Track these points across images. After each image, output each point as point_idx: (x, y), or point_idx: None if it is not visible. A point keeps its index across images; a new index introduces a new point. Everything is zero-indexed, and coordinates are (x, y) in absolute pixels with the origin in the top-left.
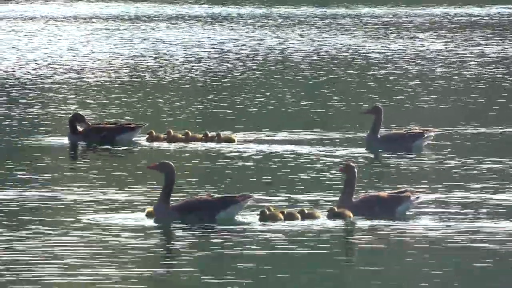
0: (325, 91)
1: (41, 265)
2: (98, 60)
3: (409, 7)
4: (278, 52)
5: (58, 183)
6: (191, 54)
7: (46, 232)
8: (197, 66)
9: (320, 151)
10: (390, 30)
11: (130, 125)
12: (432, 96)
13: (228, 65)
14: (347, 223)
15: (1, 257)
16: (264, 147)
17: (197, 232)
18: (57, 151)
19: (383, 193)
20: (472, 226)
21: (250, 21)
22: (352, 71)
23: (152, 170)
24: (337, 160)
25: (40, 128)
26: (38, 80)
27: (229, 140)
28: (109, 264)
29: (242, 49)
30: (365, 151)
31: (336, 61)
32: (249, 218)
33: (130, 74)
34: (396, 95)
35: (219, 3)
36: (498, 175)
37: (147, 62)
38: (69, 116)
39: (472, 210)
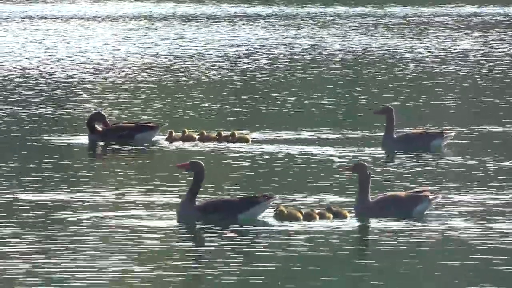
0: (352, 90)
1: (62, 264)
2: (126, 59)
3: (438, 6)
4: (307, 51)
5: (77, 183)
6: (220, 53)
7: (67, 232)
8: (225, 65)
9: (336, 151)
10: (419, 29)
11: (149, 124)
12: (459, 96)
13: (257, 64)
14: (347, 223)
15: (23, 258)
16: (280, 147)
17: (219, 232)
18: (75, 150)
19: (400, 193)
20: (491, 226)
21: (279, 20)
22: (381, 71)
23: (176, 168)
24: (354, 160)
25: (67, 127)
26: (66, 79)
27: (244, 140)
28: (129, 263)
29: (270, 48)
30: (381, 151)
31: (365, 61)
32: (270, 218)
33: (158, 73)
34: (423, 94)
35: (247, 2)
36: None
37: (176, 62)
38: (89, 115)
39: (491, 210)
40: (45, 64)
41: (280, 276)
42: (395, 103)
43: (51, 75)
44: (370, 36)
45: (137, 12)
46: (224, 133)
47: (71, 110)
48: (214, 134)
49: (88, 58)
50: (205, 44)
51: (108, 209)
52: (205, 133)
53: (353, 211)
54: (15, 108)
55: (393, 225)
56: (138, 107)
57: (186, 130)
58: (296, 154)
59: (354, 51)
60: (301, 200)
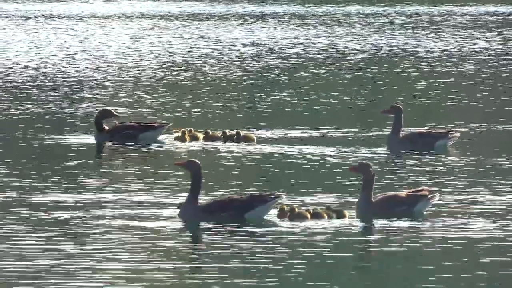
0: (364, 89)
1: (73, 265)
2: (140, 58)
3: (455, 5)
4: (321, 50)
5: (84, 183)
6: (233, 52)
7: (73, 232)
8: (238, 64)
9: (342, 150)
10: (436, 28)
11: (153, 124)
12: (480, 94)
13: (269, 63)
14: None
15: (33, 260)
16: (286, 146)
17: (225, 232)
18: (82, 150)
19: (401, 193)
20: (492, 226)
21: (296, 19)
22: (394, 70)
23: (178, 167)
24: (357, 160)
25: (79, 126)
26: (80, 78)
27: (249, 139)
28: (134, 263)
29: (284, 48)
30: (386, 151)
31: (379, 60)
32: (277, 217)
33: (171, 72)
34: (435, 93)
35: (267, 1)
36: None
37: (190, 61)
38: (97, 113)
39: (493, 210)
40: (59, 63)
41: (285, 276)
42: (406, 102)
43: (65, 74)
44: (386, 35)
45: (151, 10)
46: (229, 132)
47: (83, 109)
48: (219, 133)
49: (103, 57)
50: (218, 43)
51: (112, 208)
52: (210, 133)
53: (354, 211)
54: (28, 106)
55: (392, 224)
56: (150, 106)
57: (192, 129)
58: (301, 154)
59: (368, 50)
60: (303, 199)
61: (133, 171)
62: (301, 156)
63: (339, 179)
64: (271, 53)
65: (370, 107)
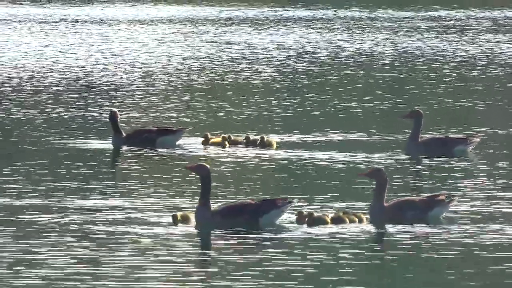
0: (390, 93)
1: (90, 270)
2: (168, 63)
3: (485, 10)
4: (351, 55)
5: (100, 188)
6: (270, 56)
7: (89, 237)
8: (273, 68)
9: (360, 156)
10: (463, 32)
11: (172, 128)
12: (506, 99)
13: (297, 67)
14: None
15: (52, 265)
16: (306, 152)
17: (239, 237)
18: (99, 154)
19: (416, 198)
20: (509, 233)
21: (325, 23)
22: (421, 74)
23: (189, 171)
24: (375, 165)
25: (99, 130)
26: (104, 83)
27: (269, 145)
28: (155, 268)
29: (313, 52)
30: (405, 156)
31: (408, 64)
32: (292, 222)
33: (199, 77)
34: (460, 97)
35: (297, 5)
36: None
37: (217, 65)
38: (108, 115)
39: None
40: (86, 67)
41: (300, 281)
42: (430, 106)
43: (91, 78)
44: (412, 39)
45: (181, 15)
46: (252, 137)
47: (103, 113)
48: (241, 138)
49: (129, 61)
50: (249, 47)
51: (125, 213)
52: (232, 137)
53: (368, 216)
54: (55, 110)
55: (406, 229)
56: (175, 110)
57: (208, 134)
58: (319, 159)
59: (395, 54)
60: (319, 204)
61: (149, 176)
62: (320, 161)
63: (356, 184)
64: (297, 57)
65: (395, 111)
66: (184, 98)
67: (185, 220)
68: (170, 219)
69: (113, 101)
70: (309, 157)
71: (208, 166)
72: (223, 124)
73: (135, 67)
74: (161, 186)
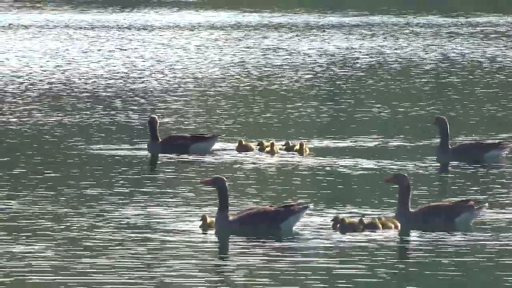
0: (435, 98)
1: (117, 278)
2: (207, 69)
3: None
4: (393, 61)
5: (133, 194)
6: (304, 63)
7: (116, 243)
8: (309, 74)
9: (389, 162)
10: (507, 38)
11: (205, 135)
12: None
13: (341, 72)
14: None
15: (80, 271)
16: (336, 158)
17: (257, 244)
18: (134, 161)
19: (443, 203)
20: None
21: (363, 29)
22: (472, 79)
23: (205, 185)
24: (405, 171)
25: (137, 137)
26: (145, 89)
27: (300, 151)
28: (179, 276)
29: (356, 58)
30: (436, 162)
31: (448, 69)
32: (332, 228)
33: (240, 83)
34: (494, 103)
35: (334, 11)
36: None
37: (258, 71)
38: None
39: None
40: (126, 73)
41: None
42: (467, 111)
43: (131, 84)
44: (452, 45)
45: (223, 21)
46: (277, 144)
47: (140, 119)
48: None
49: (169, 67)
50: (290, 54)
51: (149, 221)
52: (264, 143)
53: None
54: (89, 115)
55: (433, 235)
56: (214, 117)
57: (242, 140)
58: (348, 165)
59: (438, 60)
60: (344, 211)
61: (180, 182)
62: (353, 167)
63: (385, 191)
64: (339, 63)
65: (428, 118)
66: (222, 104)
67: (211, 225)
68: (199, 223)
69: (152, 106)
70: (348, 164)
71: (224, 178)
72: (262, 131)
73: (176, 73)
74: (192, 192)
